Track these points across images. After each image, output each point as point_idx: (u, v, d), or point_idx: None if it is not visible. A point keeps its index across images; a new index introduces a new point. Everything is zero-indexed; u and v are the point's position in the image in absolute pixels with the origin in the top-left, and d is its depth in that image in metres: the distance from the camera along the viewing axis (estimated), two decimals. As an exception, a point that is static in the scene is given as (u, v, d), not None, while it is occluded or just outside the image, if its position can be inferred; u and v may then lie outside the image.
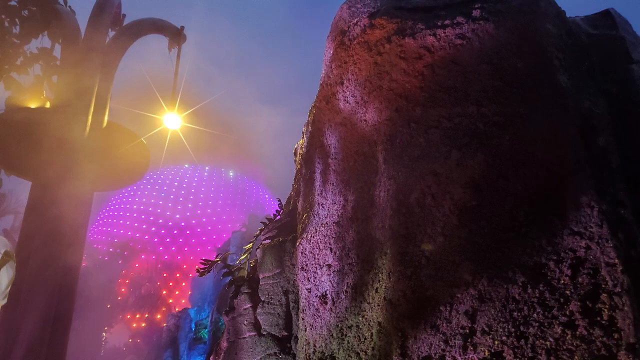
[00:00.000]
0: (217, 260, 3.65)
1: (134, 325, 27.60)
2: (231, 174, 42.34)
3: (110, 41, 5.94)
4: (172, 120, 6.16)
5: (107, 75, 5.63)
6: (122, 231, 33.72)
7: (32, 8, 7.55)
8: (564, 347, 1.79)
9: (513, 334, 1.85)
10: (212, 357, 3.27)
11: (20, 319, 4.41)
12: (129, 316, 28.05)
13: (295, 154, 3.62)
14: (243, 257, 3.25)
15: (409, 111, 2.45)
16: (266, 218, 3.44)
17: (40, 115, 5.13)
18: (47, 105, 6.29)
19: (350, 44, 2.70)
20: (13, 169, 5.64)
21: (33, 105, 6.29)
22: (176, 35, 6.53)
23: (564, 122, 2.23)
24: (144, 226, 34.39)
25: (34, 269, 4.70)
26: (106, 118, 5.71)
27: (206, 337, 17.88)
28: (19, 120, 5.03)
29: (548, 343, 1.81)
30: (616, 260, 1.88)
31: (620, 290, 1.83)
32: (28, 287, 4.70)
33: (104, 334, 26.93)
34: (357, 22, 2.71)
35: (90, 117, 5.24)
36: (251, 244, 3.48)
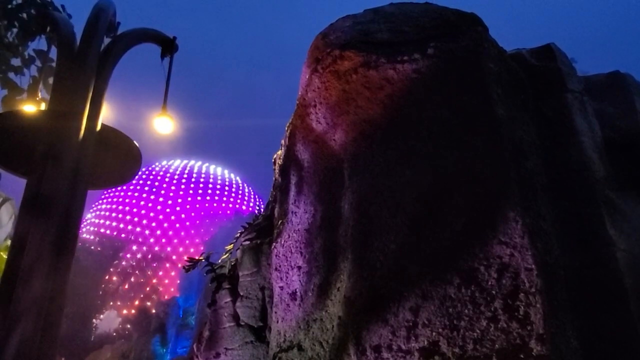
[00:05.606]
0: (201, 259, 3.79)
1: (124, 312, 27.24)
2: (219, 170, 42.08)
3: (105, 48, 5.92)
4: (163, 125, 6.20)
5: (102, 82, 5.61)
6: (114, 223, 33.09)
7: (30, 12, 7.39)
8: (488, 337, 2.03)
9: (448, 327, 2.08)
10: (195, 344, 3.42)
11: (16, 306, 4.43)
12: (119, 303, 27.67)
13: (274, 163, 3.78)
14: (224, 256, 3.42)
15: (371, 134, 2.65)
16: (246, 222, 3.61)
17: (35, 120, 5.10)
18: (42, 106, 6.23)
19: (323, 71, 2.88)
20: (7, 166, 5.59)
21: (28, 105, 6.21)
22: (168, 44, 6.54)
23: (498, 148, 2.46)
24: (135, 219, 33.82)
25: (28, 262, 4.71)
26: (100, 122, 5.70)
27: (193, 323, 17.87)
28: (13, 124, 5.00)
29: (475, 334, 2.05)
30: (533, 266, 2.13)
31: (534, 290, 2.08)
32: (23, 276, 4.71)
33: (94, 320, 26.49)
34: (329, 52, 2.89)
35: (84, 122, 5.23)
36: (232, 244, 3.65)
